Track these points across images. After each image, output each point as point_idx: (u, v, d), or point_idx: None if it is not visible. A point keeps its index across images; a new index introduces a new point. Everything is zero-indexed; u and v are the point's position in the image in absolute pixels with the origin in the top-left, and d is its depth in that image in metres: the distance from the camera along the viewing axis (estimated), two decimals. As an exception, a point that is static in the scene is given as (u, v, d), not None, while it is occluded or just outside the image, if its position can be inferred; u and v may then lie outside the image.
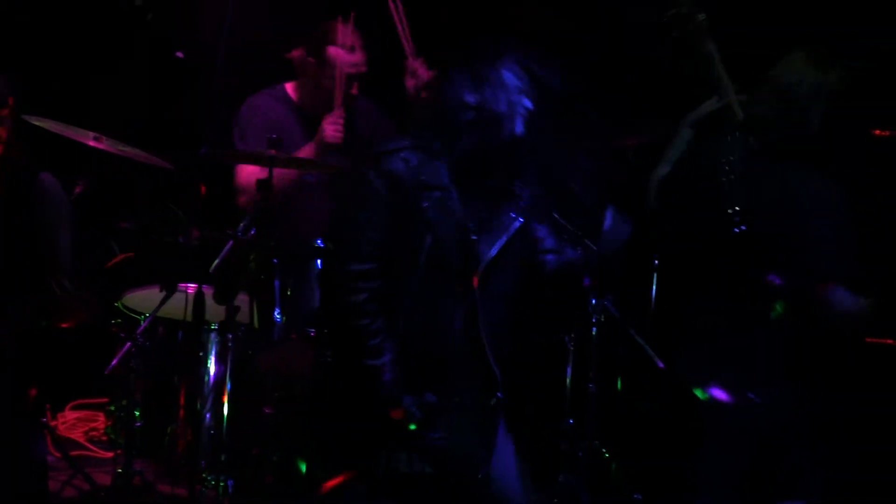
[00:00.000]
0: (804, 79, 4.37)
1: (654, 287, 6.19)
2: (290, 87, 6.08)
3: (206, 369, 5.81)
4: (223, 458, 5.44)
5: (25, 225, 4.54)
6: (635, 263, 6.15)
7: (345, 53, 5.83)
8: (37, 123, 5.18)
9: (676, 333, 5.11)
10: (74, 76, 7.06)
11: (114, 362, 5.54)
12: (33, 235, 4.58)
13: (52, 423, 6.10)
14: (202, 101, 5.67)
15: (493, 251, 4.19)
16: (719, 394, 4.45)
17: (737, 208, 4.42)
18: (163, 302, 5.35)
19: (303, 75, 6.02)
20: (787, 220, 4.33)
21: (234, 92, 5.90)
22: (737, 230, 4.41)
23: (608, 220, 4.30)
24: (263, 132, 5.48)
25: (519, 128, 4.11)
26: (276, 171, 5.30)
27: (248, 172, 5.75)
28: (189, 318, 5.23)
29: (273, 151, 5.23)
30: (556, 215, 4.61)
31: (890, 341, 4.58)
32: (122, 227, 5.97)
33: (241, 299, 5.35)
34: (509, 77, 4.12)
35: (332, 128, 5.65)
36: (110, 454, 6.03)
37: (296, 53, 5.99)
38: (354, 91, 5.93)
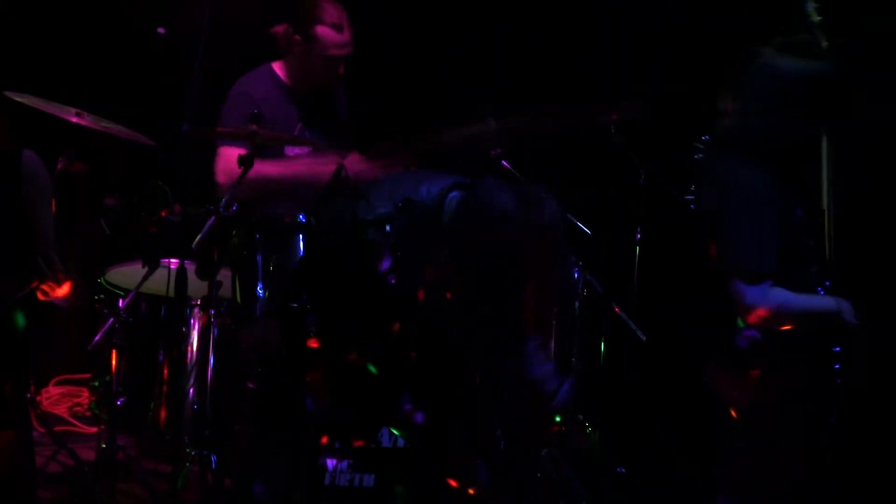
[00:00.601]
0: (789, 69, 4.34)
1: (637, 261, 6.21)
2: (277, 67, 6.05)
3: (189, 345, 5.83)
4: (206, 433, 5.43)
5: (12, 203, 4.55)
6: (619, 237, 6.20)
7: (333, 33, 5.81)
8: (19, 100, 5.16)
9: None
10: (55, 52, 7.04)
11: (97, 338, 5.53)
12: (19, 213, 4.60)
13: (37, 399, 6.11)
14: (184, 78, 5.69)
15: None
16: None
17: (692, 187, 4.43)
18: (145, 277, 5.33)
19: (289, 53, 5.99)
20: (714, 205, 4.32)
21: (216, 69, 5.92)
22: (693, 206, 4.42)
23: None
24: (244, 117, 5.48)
25: None
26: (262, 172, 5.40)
27: (231, 163, 5.69)
28: (172, 293, 5.24)
29: (254, 126, 5.22)
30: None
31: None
32: (107, 204, 5.99)
33: (224, 275, 5.38)
34: None
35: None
36: (94, 429, 6.04)
37: (280, 29, 5.96)
38: (341, 71, 5.94)
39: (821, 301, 4.31)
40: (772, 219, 4.23)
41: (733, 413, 4.41)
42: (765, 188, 4.25)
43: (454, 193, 4.31)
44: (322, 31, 5.80)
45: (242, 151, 5.65)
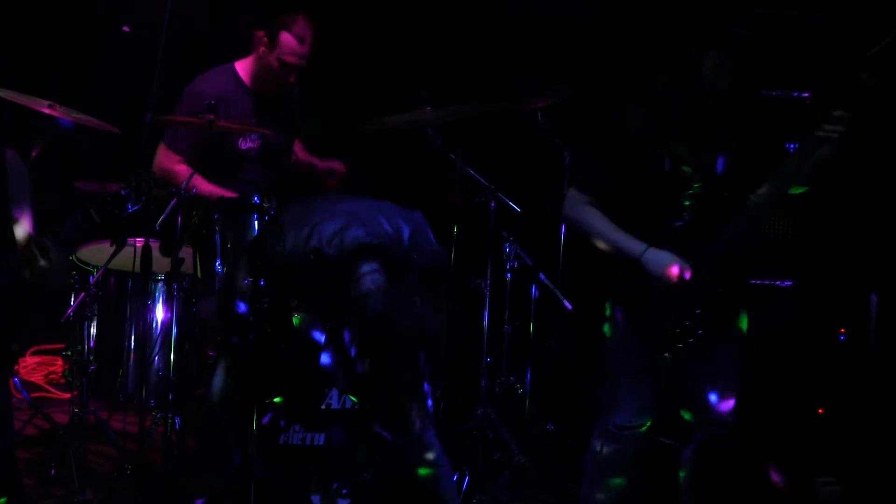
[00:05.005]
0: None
1: (563, 235, 6.52)
2: (239, 66, 6.29)
3: (154, 316, 6.08)
4: (170, 397, 5.57)
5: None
6: (546, 213, 6.47)
7: (295, 43, 6.09)
8: (-2, 94, 5.27)
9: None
10: (25, 47, 7.17)
11: (70, 311, 5.74)
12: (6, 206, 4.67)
13: (15, 368, 6.25)
14: (148, 71, 5.92)
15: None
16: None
17: None
18: (113, 255, 5.44)
19: (254, 52, 6.24)
20: None
21: (178, 62, 6.16)
22: None
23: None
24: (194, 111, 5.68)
25: None
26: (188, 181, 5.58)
27: (165, 162, 6.08)
28: (138, 269, 5.47)
29: (211, 116, 5.46)
30: None
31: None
32: (78, 187, 6.15)
33: (186, 252, 5.60)
34: None
35: None
36: (68, 395, 6.28)
37: (259, 32, 6.21)
38: (292, 80, 6.22)
39: (628, 242, 4.55)
40: (620, 153, 4.60)
41: None
42: (635, 129, 4.59)
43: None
44: (285, 37, 6.08)
45: (177, 157, 6.04)
